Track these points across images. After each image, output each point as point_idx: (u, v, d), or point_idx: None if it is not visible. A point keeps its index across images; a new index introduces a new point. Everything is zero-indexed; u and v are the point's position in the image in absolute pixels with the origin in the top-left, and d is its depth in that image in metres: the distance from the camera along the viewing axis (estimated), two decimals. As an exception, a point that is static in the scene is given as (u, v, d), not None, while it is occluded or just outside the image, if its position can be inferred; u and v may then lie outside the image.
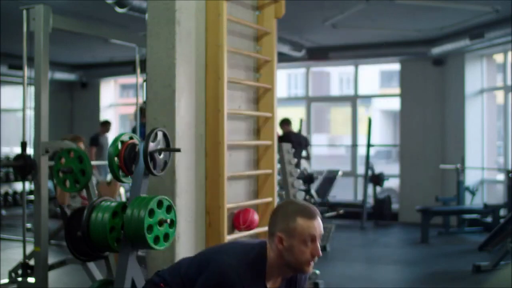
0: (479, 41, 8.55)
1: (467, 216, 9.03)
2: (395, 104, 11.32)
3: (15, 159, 4.03)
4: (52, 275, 4.29)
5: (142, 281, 3.05)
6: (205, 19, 3.84)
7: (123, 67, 11.36)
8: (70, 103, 13.23)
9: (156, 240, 3.02)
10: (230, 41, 3.96)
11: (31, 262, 4.50)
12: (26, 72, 4.29)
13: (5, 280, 5.30)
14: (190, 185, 3.70)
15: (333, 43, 10.04)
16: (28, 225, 5.81)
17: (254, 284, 2.38)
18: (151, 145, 3.10)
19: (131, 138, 3.30)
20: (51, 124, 4.07)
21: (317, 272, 5.33)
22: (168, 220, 3.06)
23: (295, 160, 5.73)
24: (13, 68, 10.31)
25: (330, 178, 9.46)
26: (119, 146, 3.22)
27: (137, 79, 5.83)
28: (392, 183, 11.13)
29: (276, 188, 4.34)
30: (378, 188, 10.28)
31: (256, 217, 4.02)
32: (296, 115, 11.62)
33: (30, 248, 4.45)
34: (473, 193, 9.26)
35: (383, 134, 17.76)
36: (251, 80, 4.31)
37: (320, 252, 2.36)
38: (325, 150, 16.50)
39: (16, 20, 4.74)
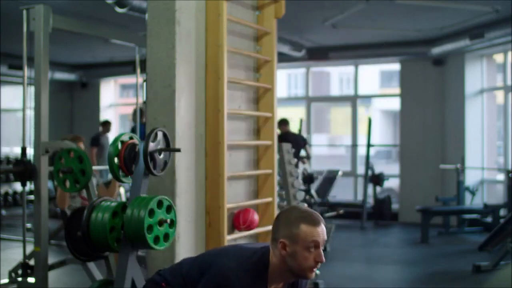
0: (479, 41, 8.55)
1: (467, 216, 9.03)
2: (395, 104, 11.32)
3: (14, 164, 4.03)
4: (52, 275, 4.29)
5: (142, 281, 3.05)
6: (205, 19, 3.84)
7: (123, 67, 11.36)
8: (70, 103, 13.23)
9: (156, 240, 3.02)
10: (230, 41, 3.96)
11: (31, 262, 4.50)
12: (26, 72, 4.28)
13: (5, 280, 5.30)
14: (190, 185, 3.70)
15: (333, 43, 10.04)
16: (28, 225, 5.81)
17: (256, 287, 2.38)
18: (151, 145, 3.10)
19: (131, 138, 3.31)
20: (51, 124, 4.06)
21: (317, 272, 5.33)
22: (168, 220, 3.06)
23: (295, 160, 5.74)
24: (13, 68, 10.31)
25: (330, 178, 9.45)
26: (119, 146, 3.23)
27: (137, 79, 5.83)
28: (392, 183, 11.13)
29: (276, 188, 4.35)
30: (378, 188, 10.28)
31: (256, 217, 4.02)
32: (296, 115, 11.63)
33: (30, 248, 4.45)
34: (473, 193, 9.26)
35: (383, 134, 17.76)
36: (251, 80, 4.31)
37: (324, 258, 2.36)
38: (325, 150, 16.50)
39: (16, 20, 4.74)
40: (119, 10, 6.50)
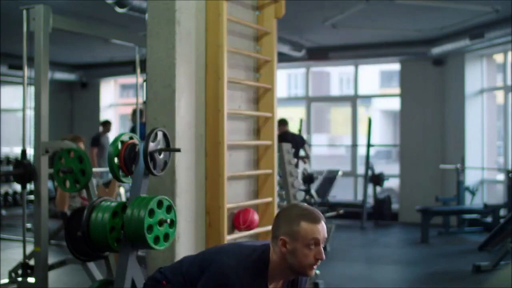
0: (479, 41, 8.55)
1: (467, 216, 9.03)
2: (395, 104, 11.32)
3: (15, 166, 4.02)
4: (52, 275, 4.29)
5: (142, 281, 3.05)
6: (205, 19, 3.84)
7: (123, 67, 11.36)
8: (70, 103, 13.23)
9: (156, 240, 3.02)
10: (230, 41, 3.96)
11: (31, 262, 4.50)
12: (26, 72, 4.28)
13: (5, 280, 5.30)
14: (190, 185, 3.70)
15: (333, 43, 10.04)
16: (28, 225, 5.81)
17: (256, 285, 2.38)
18: (151, 145, 3.10)
19: (131, 138, 3.31)
20: (51, 124, 4.06)
21: (317, 272, 5.33)
22: (168, 220, 3.06)
23: (295, 160, 5.73)
24: (13, 68, 10.31)
25: (330, 178, 9.45)
26: (119, 146, 3.23)
27: (137, 79, 5.83)
28: (392, 183, 11.13)
29: (276, 188, 4.35)
30: (378, 188, 10.28)
31: (256, 217, 4.02)
32: (296, 115, 11.63)
33: (30, 248, 4.45)
34: (473, 193, 9.26)
35: (383, 134, 17.76)
36: (251, 80, 4.31)
37: (324, 255, 2.37)
38: (325, 150, 16.50)
39: (16, 20, 4.74)
40: (119, 10, 6.50)
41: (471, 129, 9.70)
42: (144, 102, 4.24)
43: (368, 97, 15.89)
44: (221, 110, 3.76)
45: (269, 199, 4.24)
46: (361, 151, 11.14)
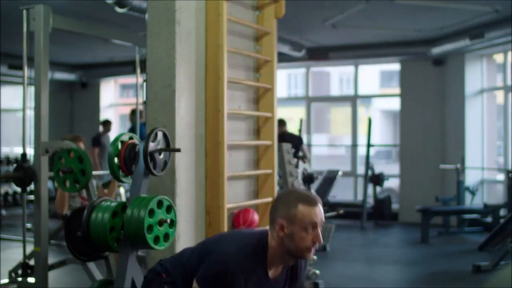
0: (479, 41, 8.54)
1: (467, 216, 9.03)
2: (395, 104, 11.31)
3: (15, 170, 4.02)
4: (52, 275, 4.29)
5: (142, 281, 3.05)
6: (205, 19, 3.84)
7: (123, 67, 11.36)
8: (70, 103, 13.23)
9: (156, 240, 3.02)
10: (230, 41, 3.96)
11: (31, 262, 4.50)
12: (26, 72, 4.28)
13: (5, 280, 5.30)
14: (190, 185, 3.71)
15: (333, 43, 10.04)
16: (28, 225, 5.81)
17: (255, 272, 2.38)
18: (151, 145, 3.10)
19: (131, 138, 3.31)
20: (51, 124, 4.07)
21: (317, 272, 5.33)
22: (168, 220, 3.06)
23: (295, 160, 5.73)
24: (13, 68, 10.31)
25: (330, 178, 9.45)
26: (119, 146, 3.23)
27: (137, 79, 5.83)
28: (392, 183, 11.12)
29: (276, 188, 4.35)
30: (378, 188, 10.27)
31: (256, 217, 4.02)
32: (296, 115, 11.62)
33: (30, 248, 4.45)
34: (473, 193, 9.26)
35: (383, 134, 17.75)
36: (251, 80, 4.31)
37: (321, 238, 2.38)
38: (325, 150, 16.49)
39: (16, 20, 4.74)
40: (119, 10, 6.50)
41: (471, 129, 9.70)
42: (144, 102, 4.24)
43: (368, 97, 15.88)
44: (221, 110, 3.76)
45: (269, 199, 4.24)
46: (361, 151, 11.14)
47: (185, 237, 3.62)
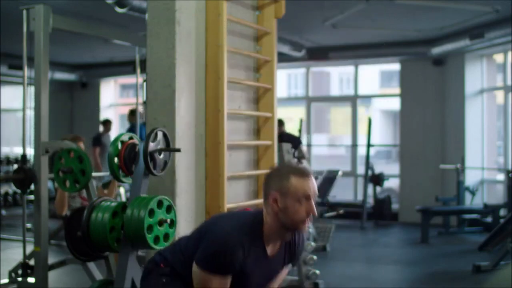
0: (479, 41, 8.54)
1: (467, 216, 9.03)
2: (395, 104, 11.31)
3: (15, 172, 4.02)
4: (52, 275, 4.29)
5: (142, 281, 3.05)
6: (205, 19, 3.84)
7: (123, 67, 11.36)
8: (70, 103, 13.23)
9: (156, 240, 3.02)
10: (230, 41, 3.96)
11: (31, 262, 4.50)
12: (26, 72, 4.28)
13: (5, 280, 5.30)
14: (190, 185, 3.71)
15: (333, 43, 10.04)
16: (28, 225, 5.81)
17: (254, 249, 2.38)
18: (151, 145, 3.11)
19: (131, 138, 3.31)
20: (51, 124, 4.06)
21: (317, 272, 5.33)
22: (168, 220, 3.06)
23: (295, 160, 5.73)
24: (13, 68, 10.31)
25: (330, 178, 9.45)
26: (119, 146, 3.23)
27: (137, 79, 5.83)
28: (392, 183, 11.12)
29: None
30: (378, 188, 10.27)
31: (256, 217, 4.02)
32: (296, 115, 11.62)
33: (30, 248, 4.45)
34: (473, 193, 9.26)
35: (383, 134, 17.75)
36: (251, 80, 4.31)
37: (316, 210, 2.38)
38: (325, 150, 16.49)
39: (16, 20, 4.74)
40: (119, 10, 6.50)
41: (471, 129, 9.70)
42: (144, 102, 4.24)
43: (368, 97, 15.88)
44: (221, 110, 3.76)
45: (269, 199, 4.24)
46: (361, 151, 11.13)
47: (185, 237, 3.62)
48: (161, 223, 3.04)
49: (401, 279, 6.45)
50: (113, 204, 3.19)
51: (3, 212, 10.32)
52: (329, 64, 12.18)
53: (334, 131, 19.23)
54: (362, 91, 12.14)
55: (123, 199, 7.93)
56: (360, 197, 10.66)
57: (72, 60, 11.80)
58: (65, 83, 12.70)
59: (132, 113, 9.35)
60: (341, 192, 10.79)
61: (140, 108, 7.38)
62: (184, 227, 3.62)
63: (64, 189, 3.63)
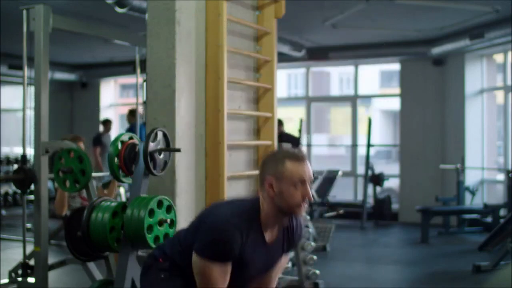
0: (479, 41, 8.54)
1: (467, 216, 9.03)
2: (395, 104, 11.32)
3: (15, 172, 4.02)
4: (52, 275, 4.29)
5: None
6: (205, 19, 3.84)
7: (123, 67, 11.36)
8: (70, 103, 13.23)
9: (156, 240, 3.02)
10: (230, 41, 3.96)
11: (31, 262, 4.50)
12: (26, 72, 4.28)
13: (5, 280, 5.30)
14: (190, 185, 3.71)
15: (333, 43, 10.04)
16: (28, 225, 5.81)
17: (252, 235, 2.38)
18: (151, 145, 3.11)
19: (131, 138, 3.31)
20: (51, 124, 4.06)
21: (317, 272, 5.33)
22: (168, 220, 3.06)
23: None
24: (13, 68, 10.31)
25: (330, 178, 9.45)
26: (119, 146, 3.23)
27: (137, 79, 5.83)
28: (392, 183, 11.12)
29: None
30: (378, 188, 10.27)
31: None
32: (296, 115, 11.62)
33: (30, 248, 4.45)
34: (473, 193, 9.26)
35: (383, 134, 17.76)
36: (251, 80, 4.31)
37: (311, 194, 2.38)
38: (325, 150, 16.50)
39: (16, 20, 4.74)
40: (119, 10, 6.49)
41: (471, 129, 9.70)
42: (144, 102, 4.24)
43: (368, 97, 15.89)
44: (221, 110, 3.76)
45: (269, 199, 4.24)
46: (361, 151, 11.13)
47: (185, 237, 3.62)
48: (161, 223, 3.04)
49: (401, 279, 6.45)
50: (113, 204, 3.19)
51: (3, 212, 10.32)
52: (329, 64, 12.18)
53: (334, 131, 19.24)
54: (362, 91, 12.14)
55: (123, 199, 7.93)
56: (360, 197, 10.66)
57: (72, 60, 11.80)
58: (65, 83, 12.70)
59: (131, 114, 9.35)
60: (341, 192, 10.79)
61: (140, 109, 7.37)
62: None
63: (64, 189, 3.63)
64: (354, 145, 11.32)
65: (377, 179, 10.06)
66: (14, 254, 6.65)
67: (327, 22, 8.17)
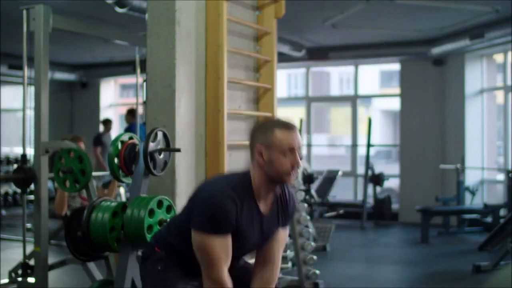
0: (479, 41, 8.54)
1: (467, 216, 9.03)
2: (395, 104, 11.32)
3: (15, 171, 4.03)
4: (52, 275, 4.29)
5: (142, 281, 3.05)
6: (205, 19, 3.84)
7: (123, 67, 11.36)
8: (70, 103, 13.23)
9: (156, 240, 3.02)
10: (230, 41, 3.96)
11: (31, 262, 4.50)
12: (26, 72, 4.29)
13: (5, 280, 5.30)
14: (190, 185, 3.71)
15: (333, 43, 10.04)
16: (28, 225, 5.81)
17: (247, 205, 2.39)
18: (151, 145, 3.11)
19: (131, 138, 3.31)
20: (51, 124, 4.07)
21: (317, 272, 5.33)
22: (168, 220, 3.06)
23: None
24: (13, 68, 10.31)
25: (330, 178, 9.45)
26: (119, 146, 3.23)
27: (137, 79, 5.83)
28: (392, 183, 11.12)
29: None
30: (378, 188, 10.27)
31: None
32: (296, 115, 11.62)
33: (30, 248, 4.45)
34: (473, 193, 9.26)
35: (383, 134, 17.76)
36: (251, 80, 4.31)
37: (300, 162, 2.41)
38: (325, 150, 16.50)
39: (16, 20, 4.74)
40: (119, 10, 6.49)
41: (471, 129, 9.70)
42: (144, 102, 4.25)
43: (368, 97, 15.89)
44: (221, 110, 3.77)
45: (269, 199, 4.24)
46: (361, 151, 11.13)
47: (185, 237, 3.62)
48: (161, 223, 3.04)
49: (401, 279, 6.45)
50: (113, 204, 3.19)
51: (3, 212, 10.32)
52: (329, 64, 12.18)
53: (334, 131, 19.24)
54: (362, 91, 12.14)
55: (123, 199, 7.93)
56: (360, 197, 10.66)
57: (72, 60, 11.80)
58: (65, 83, 12.70)
59: (129, 113, 9.36)
60: (341, 192, 10.79)
61: (140, 109, 7.38)
62: (184, 227, 3.62)
63: (64, 189, 3.63)
64: (354, 145, 11.33)
65: (377, 179, 10.06)
66: (14, 254, 6.65)
67: (327, 22, 8.17)
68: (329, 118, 19.35)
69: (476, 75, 9.77)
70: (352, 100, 11.53)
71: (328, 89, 18.48)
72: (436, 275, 6.46)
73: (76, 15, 7.42)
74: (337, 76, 19.05)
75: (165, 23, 3.68)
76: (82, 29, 4.73)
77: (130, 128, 8.94)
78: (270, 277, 2.57)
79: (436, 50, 9.48)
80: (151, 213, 3.00)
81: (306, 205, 5.47)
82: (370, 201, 10.30)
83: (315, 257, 5.31)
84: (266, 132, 2.40)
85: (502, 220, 7.65)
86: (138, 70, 5.75)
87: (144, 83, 4.07)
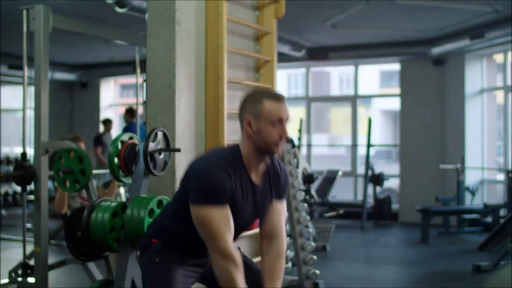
0: (479, 41, 8.54)
1: (467, 216, 9.03)
2: (395, 104, 11.32)
3: (15, 169, 4.03)
4: (52, 275, 4.29)
5: (142, 281, 3.05)
6: (205, 19, 3.84)
7: (123, 67, 11.36)
8: (70, 103, 13.23)
9: (156, 240, 3.02)
10: (230, 41, 3.96)
11: (31, 262, 4.50)
12: (26, 72, 4.29)
13: (5, 280, 5.30)
14: (190, 185, 3.70)
15: (333, 43, 10.04)
16: (28, 225, 5.81)
17: (239, 174, 2.42)
18: (151, 145, 3.11)
19: (131, 138, 3.31)
20: (51, 124, 4.07)
21: (317, 272, 5.33)
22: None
23: (295, 160, 5.73)
24: (13, 68, 10.31)
25: (330, 178, 9.45)
26: (119, 146, 3.23)
27: (137, 79, 5.83)
28: (392, 183, 11.12)
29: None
30: (378, 188, 10.27)
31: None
32: (296, 115, 11.62)
33: (30, 248, 4.45)
34: (473, 193, 9.26)
35: (383, 134, 17.77)
36: (251, 80, 4.31)
37: (288, 134, 2.45)
38: (325, 150, 16.50)
39: (16, 20, 4.74)
40: (119, 10, 6.50)
41: (471, 129, 9.70)
42: (144, 102, 4.25)
43: (368, 97, 15.90)
44: (221, 110, 3.77)
45: (269, 199, 4.24)
46: (361, 151, 11.13)
47: (185, 237, 3.62)
48: (161, 223, 3.03)
49: (401, 279, 6.45)
50: (113, 204, 3.20)
51: (3, 212, 10.32)
52: (329, 64, 12.18)
53: (334, 131, 19.25)
54: (362, 91, 12.14)
55: (123, 199, 7.93)
56: (360, 197, 10.66)
57: (72, 60, 11.81)
58: (65, 83, 12.70)
59: (128, 112, 9.36)
60: (341, 192, 10.79)
61: (140, 109, 7.38)
62: (184, 227, 3.62)
63: (64, 189, 3.64)
64: (354, 145, 11.33)
65: (377, 179, 10.06)
66: (14, 254, 6.65)
67: (327, 22, 8.17)
68: (329, 118, 19.35)
69: (476, 75, 9.77)
70: (352, 100, 11.53)
71: (328, 89, 18.49)
72: (436, 275, 6.46)
73: (76, 15, 7.42)
74: (337, 76, 19.06)
75: (165, 23, 3.68)
76: (82, 29, 4.73)
77: (128, 128, 8.94)
78: (278, 251, 2.61)
79: (436, 50, 9.48)
80: (151, 213, 3.00)
81: (306, 205, 5.47)
82: (370, 201, 10.30)
83: (315, 257, 5.31)
84: (255, 103, 2.44)
85: (502, 220, 7.65)
86: (138, 70, 5.75)
87: (144, 83, 4.07)
